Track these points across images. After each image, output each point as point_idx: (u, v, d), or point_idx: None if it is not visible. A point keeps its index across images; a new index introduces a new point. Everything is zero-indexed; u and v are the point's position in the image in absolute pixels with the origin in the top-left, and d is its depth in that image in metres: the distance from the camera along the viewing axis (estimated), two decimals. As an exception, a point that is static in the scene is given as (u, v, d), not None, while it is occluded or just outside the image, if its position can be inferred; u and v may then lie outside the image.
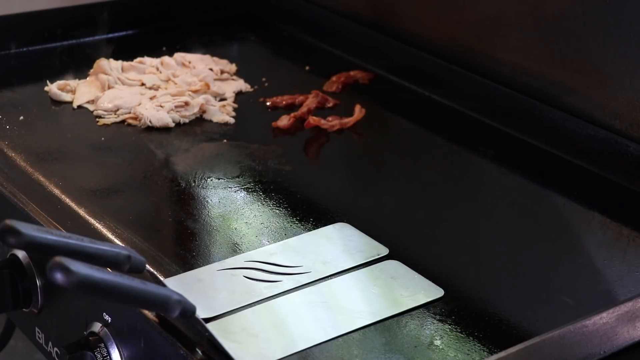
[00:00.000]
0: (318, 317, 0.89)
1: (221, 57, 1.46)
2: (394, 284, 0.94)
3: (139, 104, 1.28)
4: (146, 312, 0.86)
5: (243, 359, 0.82)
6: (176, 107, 1.28)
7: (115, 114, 1.28)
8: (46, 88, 1.33)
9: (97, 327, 0.92)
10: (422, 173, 1.23)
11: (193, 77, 1.37)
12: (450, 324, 0.89)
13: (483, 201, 1.16)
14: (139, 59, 1.41)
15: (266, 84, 1.40)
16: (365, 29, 1.51)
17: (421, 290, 0.93)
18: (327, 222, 1.05)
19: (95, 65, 1.37)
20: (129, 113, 1.27)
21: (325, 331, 0.87)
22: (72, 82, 1.34)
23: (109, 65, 1.37)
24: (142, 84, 1.36)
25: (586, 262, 1.03)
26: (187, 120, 1.28)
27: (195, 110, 1.28)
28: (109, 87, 1.33)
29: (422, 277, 0.95)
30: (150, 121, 1.25)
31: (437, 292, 0.93)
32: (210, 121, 1.29)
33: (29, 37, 1.46)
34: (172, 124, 1.26)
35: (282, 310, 0.90)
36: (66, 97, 1.31)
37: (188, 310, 0.79)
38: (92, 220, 1.02)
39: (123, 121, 1.27)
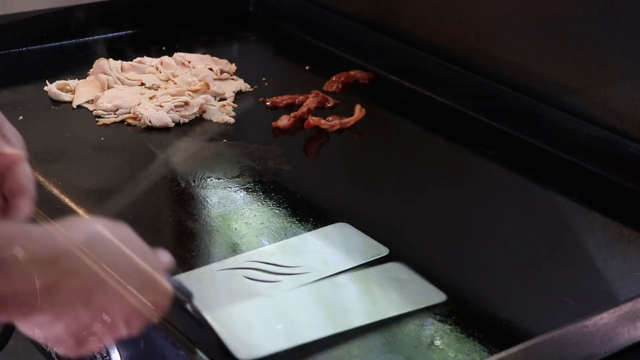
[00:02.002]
0: (317, 315, 0.89)
1: (221, 57, 1.46)
2: (395, 285, 0.94)
3: (139, 104, 1.28)
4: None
5: (236, 346, 0.82)
6: (176, 107, 1.28)
7: (114, 114, 1.28)
8: (46, 88, 1.33)
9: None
10: (422, 173, 1.23)
11: (193, 77, 1.37)
12: (450, 324, 0.89)
13: (483, 201, 1.16)
14: (138, 58, 1.41)
15: (266, 84, 1.40)
16: (365, 29, 1.51)
17: (423, 295, 0.93)
18: (327, 222, 1.05)
19: (95, 65, 1.37)
20: (129, 113, 1.27)
21: (323, 329, 0.87)
22: (72, 82, 1.34)
23: (108, 65, 1.37)
24: (142, 84, 1.36)
25: (587, 262, 1.03)
26: (186, 120, 1.28)
27: (195, 110, 1.28)
28: (109, 87, 1.33)
29: (425, 281, 0.95)
30: (149, 121, 1.25)
31: (439, 297, 0.93)
32: (210, 121, 1.28)
33: (29, 37, 1.46)
34: (172, 124, 1.26)
35: (281, 308, 0.90)
36: (65, 97, 1.31)
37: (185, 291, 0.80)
38: (91, 220, 1.02)
39: (123, 121, 1.27)
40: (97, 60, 1.37)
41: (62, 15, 1.50)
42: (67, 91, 1.33)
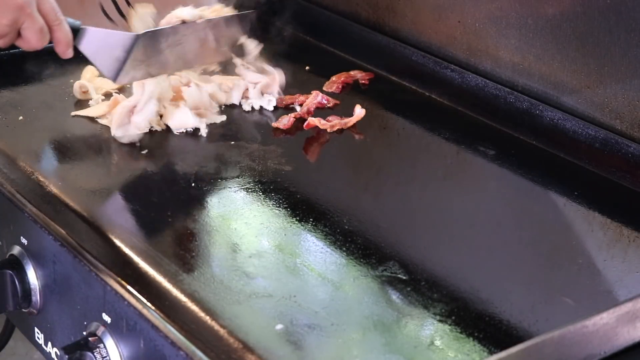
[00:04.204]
0: None
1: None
2: None
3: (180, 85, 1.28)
4: (146, 312, 0.86)
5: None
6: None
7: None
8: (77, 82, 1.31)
9: (96, 327, 0.92)
10: (422, 173, 1.23)
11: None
12: (450, 324, 0.89)
13: (483, 201, 1.16)
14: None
15: (266, 84, 1.40)
16: (365, 29, 1.51)
17: None
18: (327, 222, 1.05)
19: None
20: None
21: None
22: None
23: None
24: None
25: (586, 262, 1.03)
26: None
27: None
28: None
29: None
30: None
31: None
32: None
33: (28, 37, 1.45)
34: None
35: None
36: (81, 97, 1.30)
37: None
38: (91, 220, 1.02)
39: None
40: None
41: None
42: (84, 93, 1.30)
